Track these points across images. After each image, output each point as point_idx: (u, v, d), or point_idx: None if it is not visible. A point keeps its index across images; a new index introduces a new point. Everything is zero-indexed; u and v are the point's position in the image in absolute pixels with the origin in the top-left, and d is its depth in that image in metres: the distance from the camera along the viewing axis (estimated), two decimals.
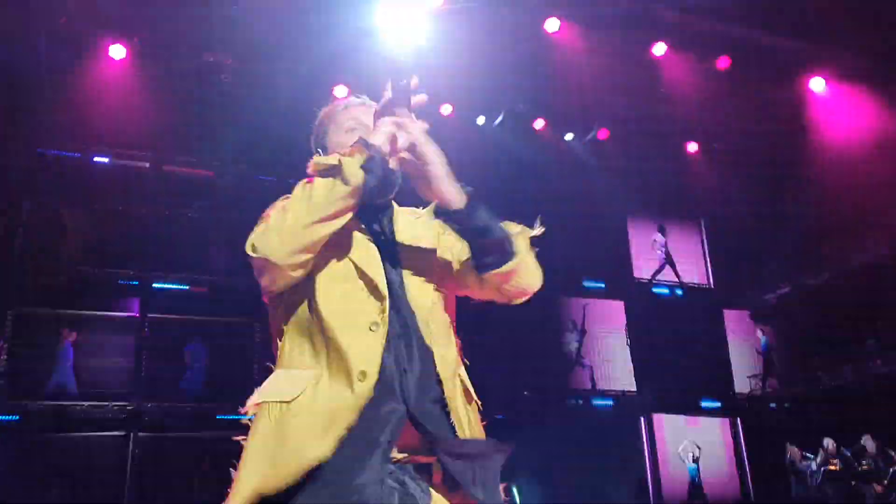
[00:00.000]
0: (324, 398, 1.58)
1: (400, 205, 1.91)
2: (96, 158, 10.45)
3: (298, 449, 1.52)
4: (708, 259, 13.86)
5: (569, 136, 11.65)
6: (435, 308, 1.79)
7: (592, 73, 10.45)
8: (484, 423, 1.80)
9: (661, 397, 12.28)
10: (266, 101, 9.87)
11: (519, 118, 11.28)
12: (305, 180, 1.65)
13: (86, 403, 9.46)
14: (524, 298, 1.84)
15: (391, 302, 1.70)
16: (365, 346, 1.61)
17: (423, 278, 1.79)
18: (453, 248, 1.83)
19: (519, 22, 9.65)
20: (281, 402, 1.60)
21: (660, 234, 13.41)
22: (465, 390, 1.77)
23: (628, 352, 12.61)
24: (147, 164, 10.61)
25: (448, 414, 1.67)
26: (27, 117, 9.56)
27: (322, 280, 1.71)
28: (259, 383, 1.71)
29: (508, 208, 1.88)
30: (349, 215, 1.65)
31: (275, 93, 9.78)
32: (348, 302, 1.68)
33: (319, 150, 1.95)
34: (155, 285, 10.16)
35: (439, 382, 1.69)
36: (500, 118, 11.10)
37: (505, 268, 1.72)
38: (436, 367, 1.70)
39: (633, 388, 12.36)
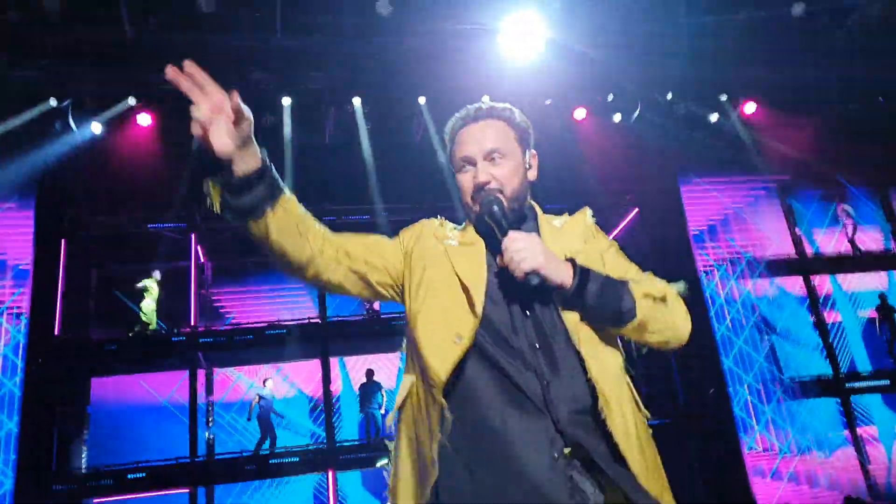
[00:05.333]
0: (415, 408, 1.75)
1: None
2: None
3: (426, 472, 1.68)
4: None
5: (714, 118, 11.08)
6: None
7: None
8: None
9: None
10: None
11: (658, 109, 10.93)
12: None
13: None
14: (668, 349, 1.88)
15: (532, 314, 1.76)
16: (442, 358, 1.70)
17: None
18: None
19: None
20: (397, 408, 1.81)
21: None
22: (634, 400, 1.77)
23: None
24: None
25: (604, 422, 1.66)
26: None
27: (426, 294, 1.81)
28: None
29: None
30: (277, 209, 1.69)
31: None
32: (445, 315, 1.76)
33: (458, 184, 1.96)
34: None
35: (593, 390, 1.69)
36: (637, 111, 10.82)
37: (628, 328, 1.77)
38: (587, 374, 1.70)
39: None
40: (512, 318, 1.77)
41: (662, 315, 1.80)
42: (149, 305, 10.71)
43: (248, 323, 11.13)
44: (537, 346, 1.72)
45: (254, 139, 1.65)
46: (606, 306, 1.74)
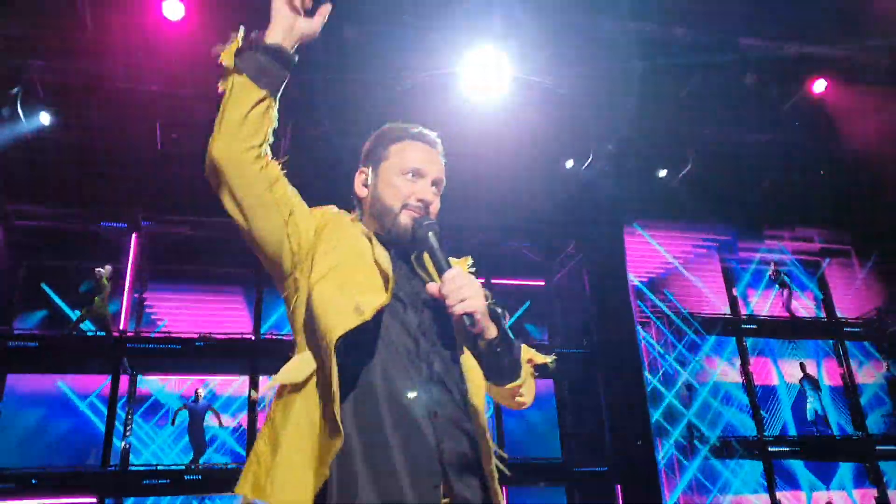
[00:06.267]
0: (321, 387, 1.62)
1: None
2: None
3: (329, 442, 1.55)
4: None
5: (662, 173, 11.35)
6: (475, 365, 1.78)
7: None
8: None
9: None
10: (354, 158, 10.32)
11: (609, 158, 11.15)
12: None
13: None
14: (520, 409, 1.91)
15: (431, 344, 1.73)
16: (337, 320, 1.60)
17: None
18: None
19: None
20: (293, 383, 1.63)
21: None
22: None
23: None
24: None
25: (482, 470, 1.68)
26: None
27: (335, 267, 1.72)
28: None
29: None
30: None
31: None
32: (350, 290, 1.67)
33: (370, 166, 1.91)
34: None
35: (474, 438, 1.70)
36: (589, 160, 11.02)
37: (509, 386, 1.77)
38: (474, 422, 1.70)
39: None
40: (411, 337, 1.73)
41: (532, 382, 1.85)
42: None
43: (179, 332, 10.86)
44: (433, 378, 1.69)
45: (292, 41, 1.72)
46: (509, 364, 1.75)
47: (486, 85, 9.64)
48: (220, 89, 1.67)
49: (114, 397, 10.22)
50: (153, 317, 11.24)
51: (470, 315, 1.64)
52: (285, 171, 1.77)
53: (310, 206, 1.85)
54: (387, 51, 9.32)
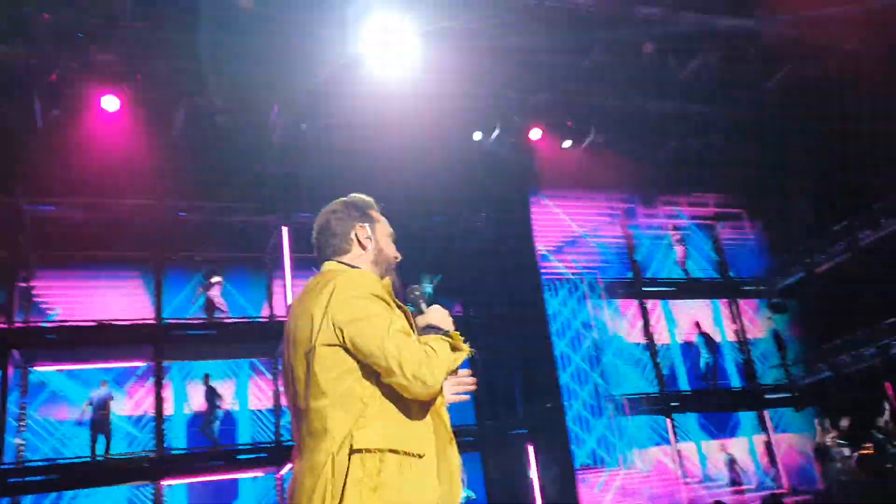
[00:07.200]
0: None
1: None
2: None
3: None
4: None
5: (567, 144, 11.51)
6: None
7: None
8: None
9: None
10: (258, 139, 10.01)
11: (515, 130, 11.21)
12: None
13: None
14: None
15: None
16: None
17: None
18: None
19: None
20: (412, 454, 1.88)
21: None
22: None
23: None
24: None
25: None
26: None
27: None
28: None
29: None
30: None
31: (266, 131, 9.93)
32: None
33: (366, 224, 2.22)
34: None
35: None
36: (496, 132, 11.05)
37: None
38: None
39: None
40: None
41: None
42: None
43: (73, 320, 10.29)
44: None
45: None
46: None
47: (390, 49, 9.36)
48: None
49: (4, 391, 9.67)
50: (43, 305, 10.58)
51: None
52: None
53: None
54: (285, 23, 8.95)
